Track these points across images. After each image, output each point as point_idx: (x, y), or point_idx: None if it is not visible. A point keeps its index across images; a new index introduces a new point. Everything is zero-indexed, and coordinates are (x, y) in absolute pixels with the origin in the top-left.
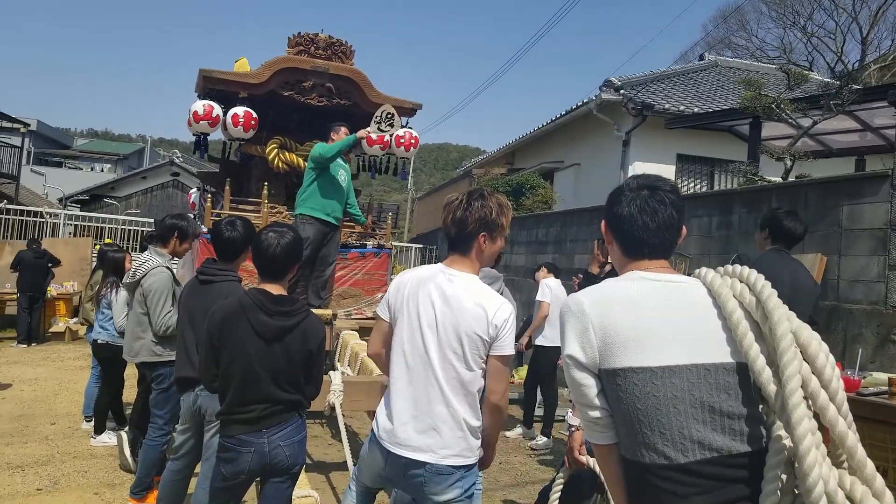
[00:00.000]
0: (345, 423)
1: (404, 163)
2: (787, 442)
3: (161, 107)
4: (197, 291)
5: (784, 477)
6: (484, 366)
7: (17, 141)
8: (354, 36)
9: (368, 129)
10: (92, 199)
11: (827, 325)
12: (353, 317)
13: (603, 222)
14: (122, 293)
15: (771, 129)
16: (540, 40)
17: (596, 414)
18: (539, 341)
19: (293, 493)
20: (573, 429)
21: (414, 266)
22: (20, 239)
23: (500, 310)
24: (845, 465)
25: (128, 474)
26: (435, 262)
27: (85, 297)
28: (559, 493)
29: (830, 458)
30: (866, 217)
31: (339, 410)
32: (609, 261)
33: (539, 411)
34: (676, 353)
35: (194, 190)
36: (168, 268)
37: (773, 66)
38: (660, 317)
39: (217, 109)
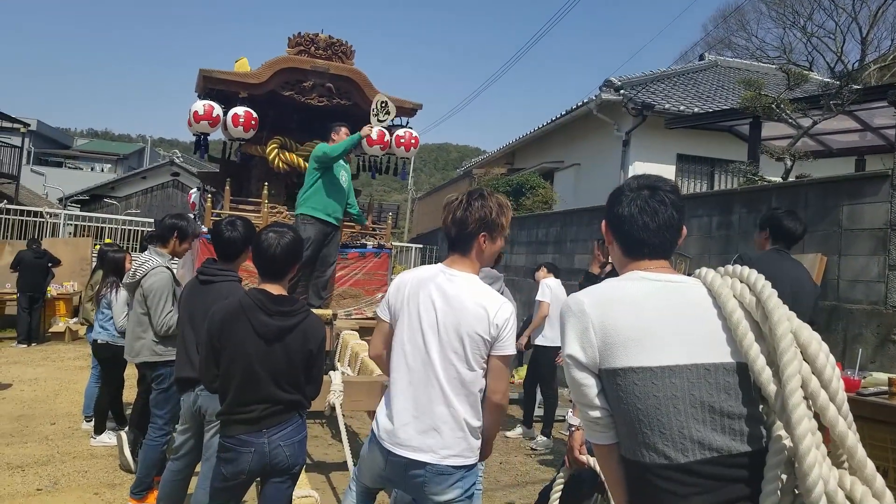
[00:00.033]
0: (345, 424)
1: (404, 163)
2: (788, 442)
3: (161, 107)
4: (197, 291)
5: (784, 477)
6: (485, 365)
7: (17, 141)
8: (355, 36)
9: (370, 124)
10: (92, 199)
11: (827, 325)
12: (353, 317)
13: (603, 222)
14: (122, 293)
15: (771, 129)
16: (540, 40)
17: (596, 414)
18: (539, 341)
19: (293, 493)
20: (573, 428)
21: (414, 266)
22: (20, 239)
23: (501, 309)
24: (846, 465)
25: (128, 474)
26: (435, 262)
27: (85, 297)
28: (559, 493)
29: (831, 458)
30: (866, 217)
31: (339, 410)
32: (610, 261)
33: (539, 411)
34: (676, 353)
35: (194, 190)
36: (168, 268)
37: (773, 66)
38: (660, 317)
39: (217, 109)
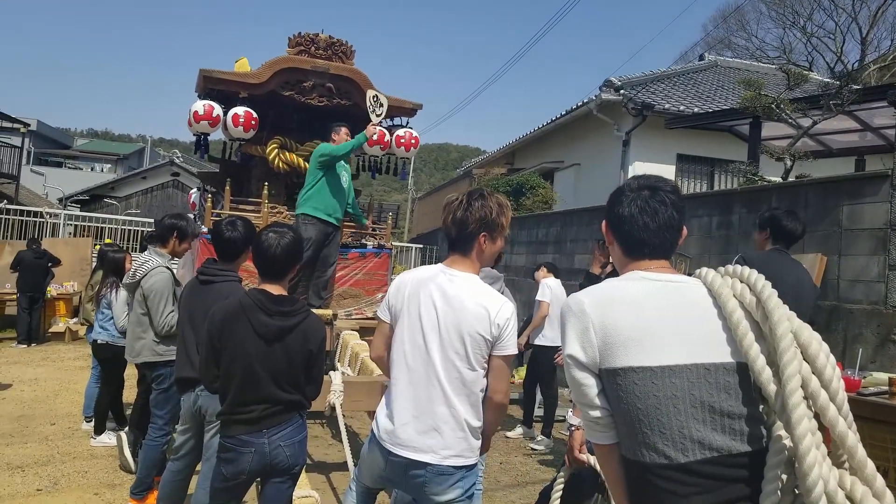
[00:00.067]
0: (345, 424)
1: (404, 163)
2: (788, 442)
3: (161, 107)
4: (197, 292)
5: (784, 477)
6: (486, 365)
7: (17, 141)
8: (355, 36)
9: (372, 123)
10: (92, 199)
11: (827, 325)
12: (353, 317)
13: (604, 222)
14: (122, 293)
15: (771, 129)
16: (540, 40)
17: (596, 413)
18: (538, 341)
19: (294, 493)
20: (573, 428)
21: (414, 266)
22: (20, 239)
23: (502, 309)
24: (846, 465)
25: (128, 475)
26: (435, 263)
27: (85, 298)
28: (560, 493)
29: (831, 458)
30: (866, 217)
31: (339, 411)
32: (610, 261)
33: (539, 411)
34: (676, 353)
35: (194, 190)
36: (168, 268)
37: (773, 66)
38: (660, 317)
39: (217, 109)
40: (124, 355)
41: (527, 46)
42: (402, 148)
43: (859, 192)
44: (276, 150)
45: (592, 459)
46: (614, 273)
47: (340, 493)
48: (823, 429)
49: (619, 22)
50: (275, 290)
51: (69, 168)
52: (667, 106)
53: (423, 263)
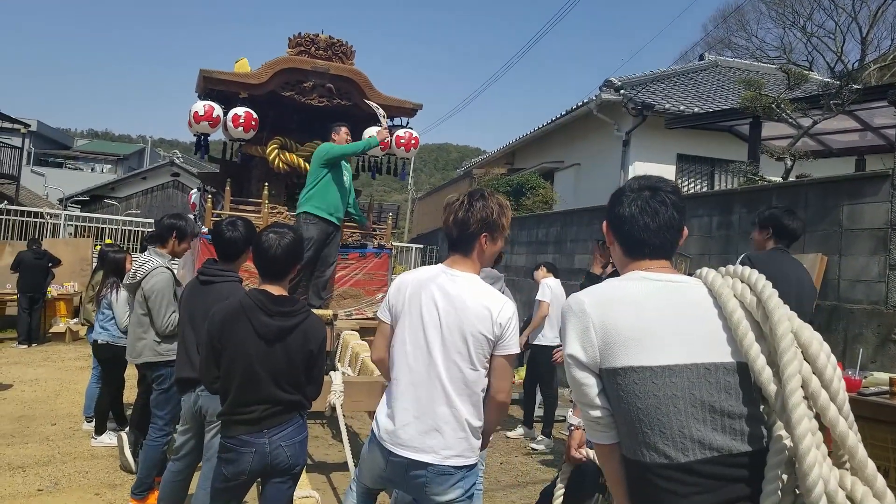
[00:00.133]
0: (345, 424)
1: (404, 163)
2: (788, 442)
3: (161, 107)
4: (198, 292)
5: (785, 477)
6: (487, 365)
7: (17, 141)
8: (355, 36)
9: (384, 127)
10: (92, 199)
11: (827, 325)
12: (353, 317)
13: (604, 223)
14: (123, 293)
15: (771, 129)
16: (540, 40)
17: (597, 413)
18: (538, 340)
19: (294, 493)
20: (573, 427)
21: (414, 266)
22: (20, 239)
23: (503, 308)
24: (847, 465)
25: (128, 475)
26: (435, 263)
27: (86, 298)
28: (562, 494)
29: (832, 458)
30: (866, 217)
31: (339, 411)
32: (611, 261)
33: (539, 411)
34: (677, 353)
35: (195, 190)
36: (168, 268)
37: (773, 66)
38: (660, 316)
39: (217, 110)
40: (125, 356)
41: (527, 46)
42: (402, 148)
43: (859, 192)
44: (277, 151)
45: (591, 454)
46: (615, 273)
47: (341, 494)
48: (824, 429)
49: (619, 22)
50: (275, 290)
51: (69, 168)
52: (667, 106)
53: (423, 263)
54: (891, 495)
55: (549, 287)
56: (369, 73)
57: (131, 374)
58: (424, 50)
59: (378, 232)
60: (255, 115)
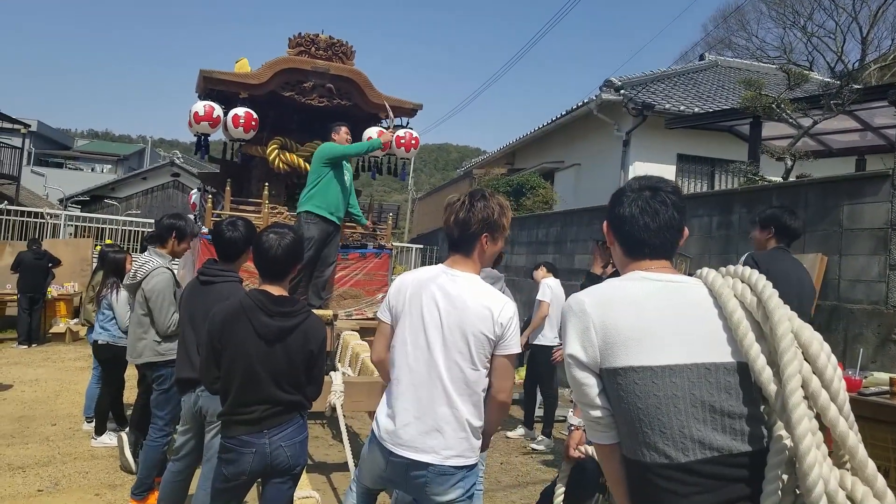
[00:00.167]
0: (346, 424)
1: (404, 163)
2: (788, 442)
3: (161, 107)
4: (198, 292)
5: (785, 477)
6: (488, 365)
7: (17, 142)
8: (355, 36)
9: (391, 130)
10: (92, 199)
11: (827, 324)
12: (353, 317)
13: (605, 223)
14: (123, 293)
15: (771, 129)
16: (540, 40)
17: (597, 413)
18: (538, 340)
19: (294, 493)
20: (573, 427)
21: (415, 266)
22: (20, 240)
23: (504, 308)
24: (847, 465)
25: (129, 475)
26: (435, 263)
27: (86, 298)
28: (562, 494)
29: (833, 458)
30: (867, 217)
31: (339, 411)
32: (611, 261)
33: (540, 411)
34: (677, 353)
35: (195, 191)
36: (169, 268)
37: (773, 66)
38: (661, 316)
39: (218, 110)
40: (126, 356)
41: (527, 46)
42: (403, 148)
43: (860, 191)
44: (277, 151)
45: (590, 450)
46: (616, 273)
47: (341, 494)
48: (825, 429)
49: (619, 22)
50: (275, 290)
51: (69, 169)
52: (667, 106)
53: (423, 264)
54: (891, 495)
55: (550, 287)
56: (369, 73)
57: (131, 375)
58: (424, 50)
59: (378, 232)
60: (255, 116)
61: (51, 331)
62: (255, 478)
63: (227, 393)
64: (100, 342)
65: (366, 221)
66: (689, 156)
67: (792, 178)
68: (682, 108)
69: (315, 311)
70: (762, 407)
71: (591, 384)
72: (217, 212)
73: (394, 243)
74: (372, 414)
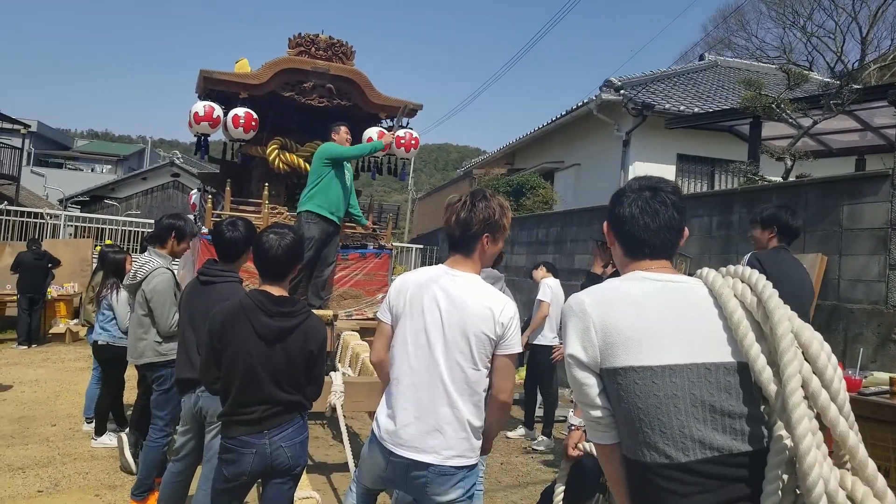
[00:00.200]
0: (346, 424)
1: (404, 163)
2: (789, 442)
3: (161, 107)
4: (198, 292)
5: (785, 477)
6: (489, 365)
7: (17, 142)
8: (355, 36)
9: (392, 131)
10: (92, 200)
11: (827, 324)
12: (353, 317)
13: (605, 223)
14: (123, 294)
15: (771, 129)
16: (540, 40)
17: (598, 413)
18: (537, 340)
19: (295, 494)
20: (573, 427)
21: (415, 266)
22: (20, 240)
23: (505, 308)
24: (848, 465)
25: (128, 476)
26: (435, 263)
27: (86, 299)
28: (562, 494)
29: (834, 458)
30: (866, 217)
31: (340, 411)
32: (611, 261)
33: (540, 412)
34: (677, 353)
35: (195, 191)
36: (169, 269)
37: (773, 66)
38: (661, 316)
39: (217, 110)
40: (127, 357)
41: (527, 46)
42: (403, 148)
43: (859, 191)
44: (277, 151)
45: (588, 446)
46: (616, 273)
47: (341, 494)
48: (825, 429)
49: (619, 22)
50: (275, 291)
51: (69, 169)
52: (667, 106)
53: (423, 264)
54: (891, 495)
55: (549, 287)
56: (369, 73)
57: (131, 375)
58: (424, 50)
59: (378, 232)
60: (255, 116)
61: (51, 331)
62: (256, 478)
63: (227, 393)
64: (100, 343)
65: (366, 221)
66: (689, 156)
67: (792, 178)
68: (681, 108)
69: (315, 311)
70: (762, 407)
71: (592, 384)
72: (217, 212)
73: (394, 243)
74: (372, 414)
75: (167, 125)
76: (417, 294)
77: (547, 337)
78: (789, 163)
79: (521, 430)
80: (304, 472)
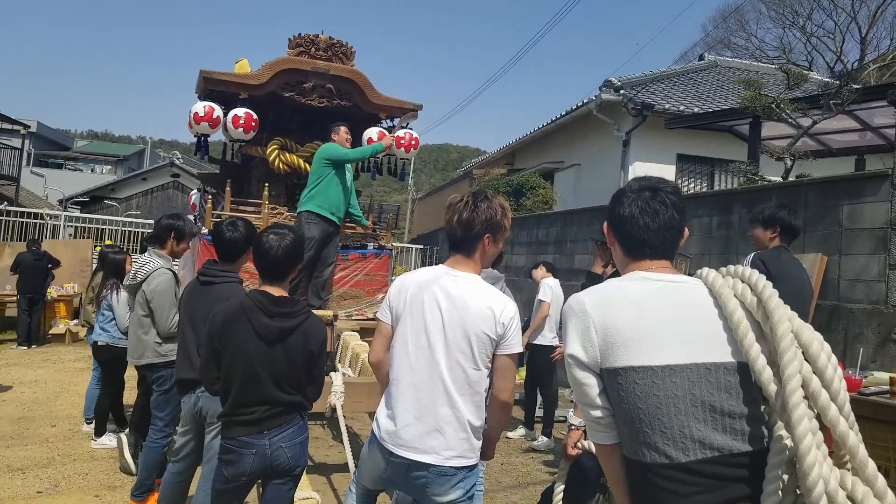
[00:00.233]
0: (346, 425)
1: (404, 164)
2: (789, 442)
3: (161, 108)
4: (198, 293)
5: (785, 477)
6: (489, 365)
7: (17, 143)
8: (355, 36)
9: (391, 135)
10: (92, 200)
11: (827, 324)
12: (353, 318)
13: (605, 223)
14: (123, 294)
15: (771, 128)
16: (540, 40)
17: (598, 413)
18: (537, 340)
19: (294, 494)
20: (572, 427)
21: (415, 267)
22: (20, 241)
23: (506, 308)
24: (848, 465)
25: (128, 476)
26: (435, 263)
27: (86, 299)
28: (561, 494)
29: (833, 458)
30: (866, 216)
31: (340, 412)
32: (611, 260)
33: (540, 412)
34: (677, 353)
35: (195, 191)
36: (170, 269)
37: (773, 66)
38: (661, 316)
39: (217, 111)
40: (127, 357)
41: (527, 46)
42: (403, 149)
43: (859, 191)
44: (277, 151)
45: (587, 444)
46: (617, 273)
47: (341, 495)
48: (825, 429)
49: (619, 22)
50: (275, 291)
51: (69, 170)
52: (667, 106)
53: (423, 264)
54: (891, 495)
55: (550, 287)
56: (369, 73)
57: (131, 376)
58: (424, 50)
59: (378, 232)
60: (255, 116)
61: (50, 332)
62: (256, 479)
63: (227, 394)
64: (99, 343)
65: (366, 222)
66: (689, 156)
67: (791, 178)
68: (681, 108)
69: (315, 311)
70: (762, 407)
71: (592, 384)
72: (217, 212)
73: (394, 244)
74: (372, 414)
75: (167, 125)
76: (418, 294)
77: (546, 337)
78: (789, 163)
79: (521, 431)
80: (304, 472)
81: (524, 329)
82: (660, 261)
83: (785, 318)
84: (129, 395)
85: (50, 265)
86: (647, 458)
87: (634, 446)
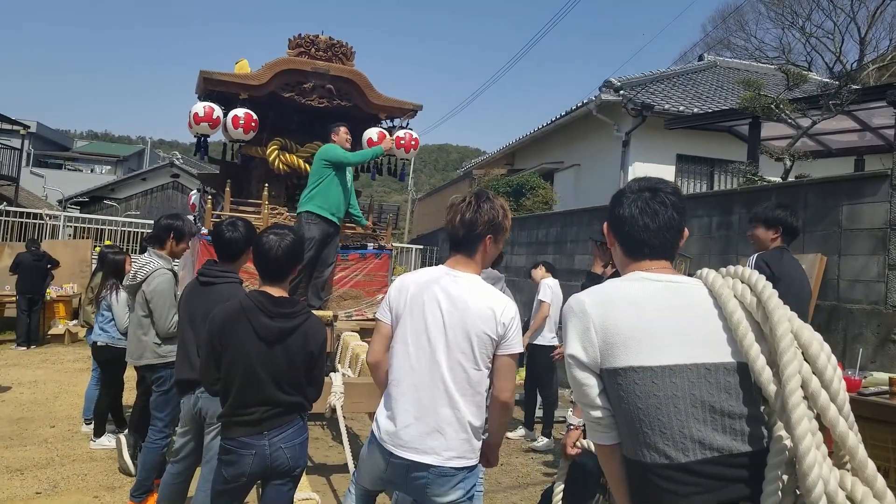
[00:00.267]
0: (346, 425)
1: (404, 164)
2: (788, 442)
3: (161, 108)
4: (198, 293)
5: (785, 477)
6: (490, 365)
7: (16, 143)
8: (355, 36)
9: (391, 137)
10: (92, 200)
11: (827, 324)
12: (353, 318)
13: (605, 224)
14: (122, 294)
15: (770, 129)
16: (540, 40)
17: (598, 414)
18: (537, 340)
19: (294, 495)
20: (572, 427)
21: (415, 267)
22: (19, 241)
23: (506, 308)
24: (847, 465)
25: (127, 477)
26: (435, 263)
27: (85, 300)
28: (561, 494)
29: (833, 458)
30: (866, 217)
31: (339, 412)
32: (611, 261)
33: (540, 412)
34: (677, 353)
35: (194, 191)
36: (170, 270)
37: (773, 67)
38: (661, 317)
39: (217, 111)
40: (126, 358)
41: (527, 46)
42: (402, 149)
43: (859, 192)
44: (277, 152)
45: (586, 443)
46: (616, 274)
47: (341, 496)
48: (825, 429)
49: (619, 22)
50: (275, 291)
51: (69, 170)
52: (666, 106)
53: (423, 264)
54: (891, 495)
55: (550, 287)
56: (369, 73)
57: (130, 376)
58: (424, 50)
59: (378, 233)
60: (254, 117)
61: (50, 332)
62: (255, 479)
63: (227, 394)
64: (99, 343)
65: (366, 222)
66: (689, 156)
67: (791, 179)
68: (681, 108)
69: (315, 311)
70: (762, 407)
71: (592, 384)
72: (217, 213)
73: (394, 244)
74: (372, 415)
75: (167, 126)
76: (418, 295)
77: (546, 337)
78: (788, 163)
79: (521, 431)
80: (304, 473)
81: (524, 329)
82: (660, 261)
83: (784, 319)
84: (129, 396)
85: (49, 265)
86: (647, 458)
87: (634, 446)
